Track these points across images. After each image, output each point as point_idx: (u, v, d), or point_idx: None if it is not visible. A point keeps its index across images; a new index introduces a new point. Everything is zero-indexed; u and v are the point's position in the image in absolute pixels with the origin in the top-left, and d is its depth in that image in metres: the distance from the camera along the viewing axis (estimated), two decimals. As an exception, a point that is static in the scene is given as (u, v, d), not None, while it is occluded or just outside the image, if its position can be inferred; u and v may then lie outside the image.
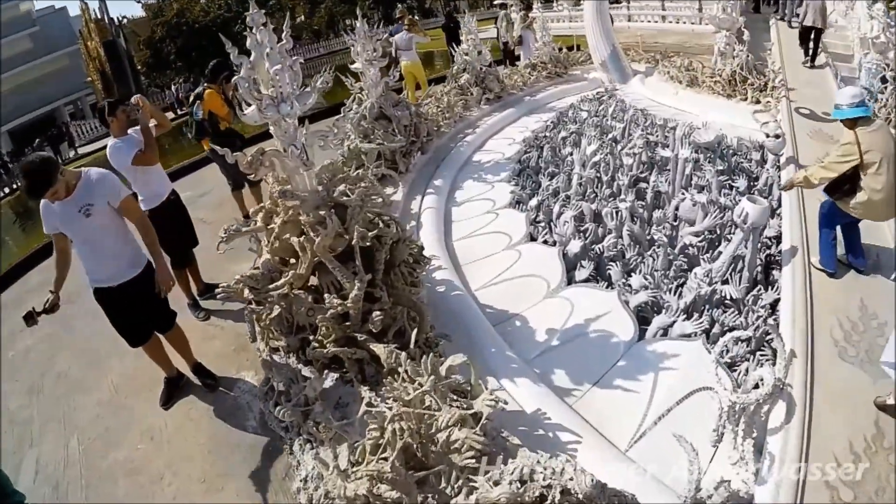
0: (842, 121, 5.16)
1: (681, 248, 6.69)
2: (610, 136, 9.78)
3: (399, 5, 38.06)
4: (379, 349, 4.32)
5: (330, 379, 4.62)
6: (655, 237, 6.45)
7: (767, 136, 8.03)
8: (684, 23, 21.95)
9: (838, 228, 5.56)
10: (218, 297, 4.97)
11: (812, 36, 12.56)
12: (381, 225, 4.92)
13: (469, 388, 4.07)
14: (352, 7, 39.46)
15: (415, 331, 4.50)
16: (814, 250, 5.92)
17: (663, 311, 5.64)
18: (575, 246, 6.63)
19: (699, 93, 12.04)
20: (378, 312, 4.46)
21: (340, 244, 4.63)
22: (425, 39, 14.39)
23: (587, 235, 7.09)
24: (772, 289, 5.85)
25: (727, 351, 5.01)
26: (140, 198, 6.12)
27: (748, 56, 11.51)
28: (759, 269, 6.25)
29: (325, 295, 4.56)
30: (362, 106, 9.17)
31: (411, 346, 4.37)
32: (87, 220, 4.51)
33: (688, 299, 5.61)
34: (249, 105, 4.43)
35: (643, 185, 8.20)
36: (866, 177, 5.00)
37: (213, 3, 38.54)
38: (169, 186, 6.48)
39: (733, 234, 6.45)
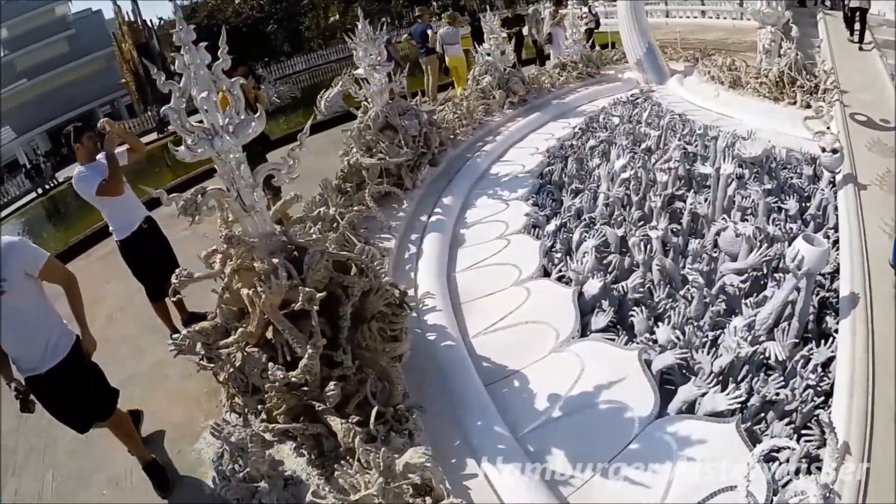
0: None
1: (719, 288, 5.75)
2: (643, 145, 8.78)
3: (433, 2, 37.33)
4: (336, 424, 3.61)
5: (288, 446, 3.91)
6: (689, 277, 5.48)
7: (823, 150, 6.99)
8: (725, 18, 20.76)
9: None
10: (170, 349, 4.27)
11: (858, 17, 12.51)
12: (353, 270, 4.17)
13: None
14: (386, 5, 38.58)
15: (374, 409, 3.68)
16: (878, 297, 5.01)
17: (693, 376, 4.67)
18: (593, 286, 5.69)
19: (743, 95, 10.92)
20: (332, 385, 3.70)
21: (297, 297, 3.82)
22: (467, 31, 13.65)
23: (611, 269, 6.18)
24: (825, 342, 4.89)
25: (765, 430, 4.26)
26: (110, 227, 5.80)
27: (797, 54, 10.35)
28: (811, 316, 5.30)
29: (270, 364, 3.80)
30: (366, 115, 8.38)
31: (371, 424, 3.61)
32: (1, 299, 3.79)
33: (723, 362, 4.63)
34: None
35: (680, 204, 7.23)
36: None
37: (245, 3, 38.11)
38: (142, 214, 6.00)
39: (780, 270, 5.54)
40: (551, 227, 6.94)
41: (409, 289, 6.01)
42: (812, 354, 4.78)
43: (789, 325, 5.01)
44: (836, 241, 6.27)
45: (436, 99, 13.14)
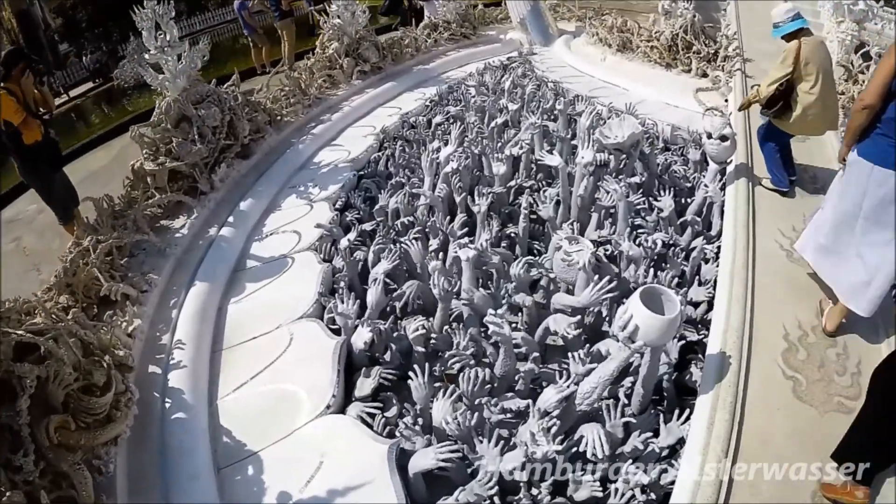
0: (783, 37, 5.08)
1: (543, 334, 4.02)
2: (494, 123, 6.92)
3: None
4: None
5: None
6: (490, 327, 3.65)
7: (710, 136, 5.29)
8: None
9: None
10: None
11: None
12: (41, 352, 3.30)
13: None
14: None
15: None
16: (759, 357, 3.42)
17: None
18: (361, 337, 3.95)
19: (632, 60, 9.25)
20: (9, 495, 2.91)
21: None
22: None
23: (403, 304, 4.43)
24: (678, 415, 3.32)
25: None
26: None
27: (695, 16, 8.68)
28: (666, 374, 3.64)
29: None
30: (158, 108, 6.55)
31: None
32: None
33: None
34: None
35: (529, 198, 5.47)
36: (801, 89, 4.94)
37: (133, -39, 34.58)
38: None
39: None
40: (345, 242, 5.04)
41: (166, 334, 4.59)
42: (651, 444, 3.24)
43: (631, 392, 3.53)
44: (717, 254, 4.66)
45: (293, 67, 11.11)
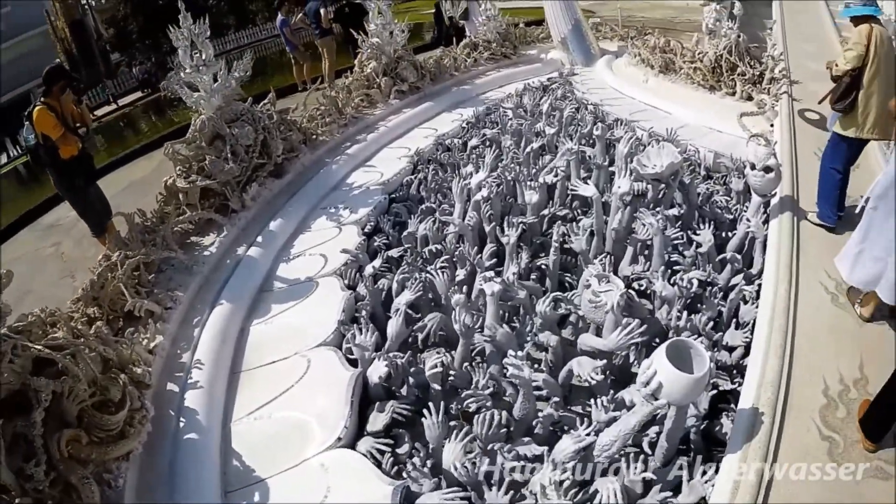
0: (851, 19, 4.96)
1: (567, 376, 3.84)
2: (530, 147, 6.75)
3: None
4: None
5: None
6: (509, 369, 3.50)
7: (753, 167, 5.02)
8: (678, -6, 18.50)
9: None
10: None
11: None
12: (59, 367, 3.39)
13: None
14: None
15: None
16: (795, 413, 3.17)
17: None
18: (376, 372, 3.86)
19: (674, 82, 9.00)
20: (18, 501, 2.99)
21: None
22: None
23: (425, 337, 4.32)
24: (703, 471, 3.09)
25: None
26: None
27: (739, 36, 8.39)
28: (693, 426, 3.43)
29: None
30: (193, 125, 6.60)
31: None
32: None
33: None
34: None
35: (562, 228, 5.28)
36: (865, 78, 4.75)
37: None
38: None
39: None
40: (369, 269, 4.96)
41: (187, 352, 4.59)
42: (671, 502, 3.04)
43: (655, 442, 3.34)
44: (757, 294, 4.41)
45: (332, 85, 11.13)
